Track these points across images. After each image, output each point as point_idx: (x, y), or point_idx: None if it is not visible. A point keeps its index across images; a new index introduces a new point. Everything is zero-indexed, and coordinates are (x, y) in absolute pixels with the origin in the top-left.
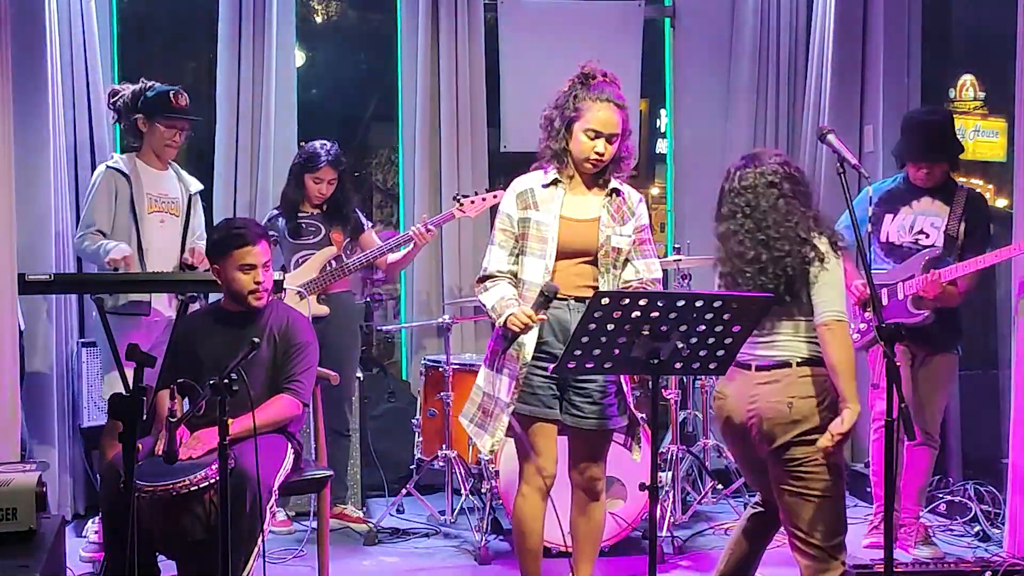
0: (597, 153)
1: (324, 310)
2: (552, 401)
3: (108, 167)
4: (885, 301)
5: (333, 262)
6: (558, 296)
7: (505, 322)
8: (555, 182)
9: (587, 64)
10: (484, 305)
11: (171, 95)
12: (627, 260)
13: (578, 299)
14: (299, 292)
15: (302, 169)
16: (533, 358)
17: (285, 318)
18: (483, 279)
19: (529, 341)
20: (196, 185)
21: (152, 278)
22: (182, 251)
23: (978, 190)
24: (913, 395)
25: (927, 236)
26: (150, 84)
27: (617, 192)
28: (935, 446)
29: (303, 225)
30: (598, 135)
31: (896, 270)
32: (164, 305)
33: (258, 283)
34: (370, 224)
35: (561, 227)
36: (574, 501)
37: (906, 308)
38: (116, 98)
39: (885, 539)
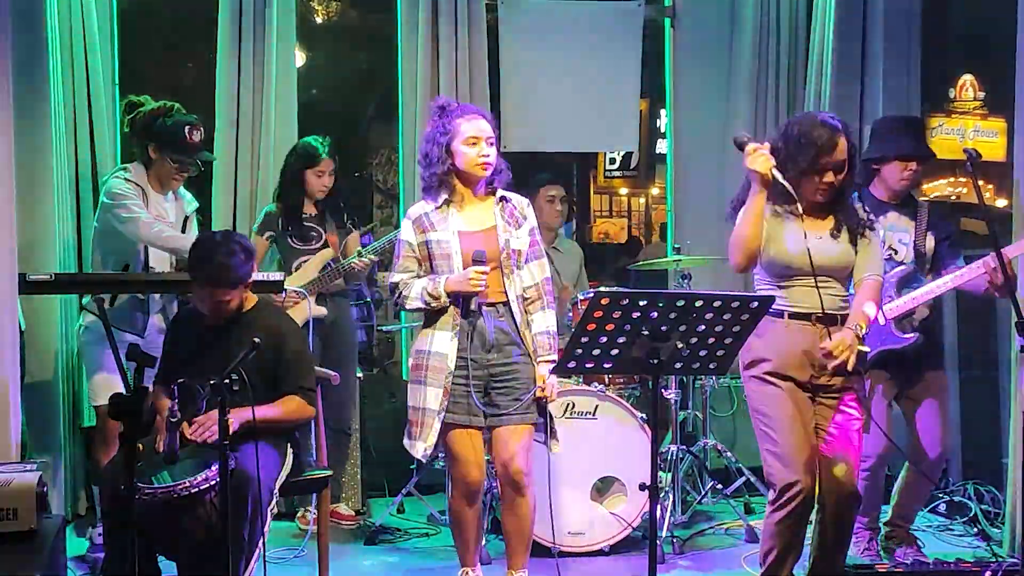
0: (483, 156)
1: (322, 311)
2: (476, 408)
3: (128, 179)
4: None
5: (331, 263)
6: (471, 309)
7: (448, 290)
8: (446, 203)
9: (437, 99)
10: (414, 304)
11: (187, 130)
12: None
13: (489, 305)
14: (298, 292)
15: (303, 166)
16: (456, 366)
17: (275, 324)
18: (393, 290)
19: (451, 350)
20: (192, 204)
21: (151, 279)
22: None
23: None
24: (909, 423)
25: (896, 252)
26: (169, 108)
27: (505, 199)
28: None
29: (307, 229)
30: (476, 141)
31: None
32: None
33: (215, 314)
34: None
35: (462, 240)
36: (501, 496)
37: (891, 332)
38: (133, 113)
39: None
